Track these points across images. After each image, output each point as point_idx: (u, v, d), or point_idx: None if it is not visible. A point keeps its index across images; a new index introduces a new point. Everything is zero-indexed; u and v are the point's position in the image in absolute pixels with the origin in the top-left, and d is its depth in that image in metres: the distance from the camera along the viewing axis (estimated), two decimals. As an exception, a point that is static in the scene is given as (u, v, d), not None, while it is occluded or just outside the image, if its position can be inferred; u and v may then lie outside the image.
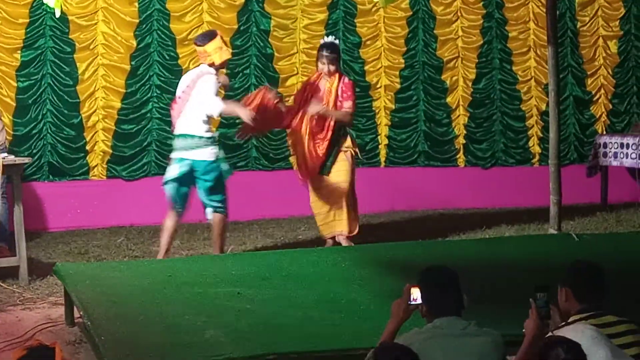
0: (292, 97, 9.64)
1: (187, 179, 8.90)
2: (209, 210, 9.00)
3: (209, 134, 8.88)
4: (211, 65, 8.92)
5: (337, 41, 9.78)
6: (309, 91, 9.56)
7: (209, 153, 8.85)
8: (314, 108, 9.37)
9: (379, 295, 6.87)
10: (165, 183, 8.97)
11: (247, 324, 6.50)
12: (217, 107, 8.84)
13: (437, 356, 4.52)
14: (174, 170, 8.90)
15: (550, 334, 4.61)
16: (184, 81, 9.09)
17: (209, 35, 9.13)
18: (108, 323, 6.34)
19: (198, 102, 8.84)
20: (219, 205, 8.97)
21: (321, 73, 9.51)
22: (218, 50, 8.92)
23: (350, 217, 9.49)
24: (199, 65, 9.18)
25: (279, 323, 6.54)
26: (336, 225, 9.51)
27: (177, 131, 8.95)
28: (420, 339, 4.61)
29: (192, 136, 8.82)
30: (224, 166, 8.99)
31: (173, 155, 8.99)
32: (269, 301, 7.03)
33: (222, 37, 9.10)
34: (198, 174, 8.88)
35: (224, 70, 9.61)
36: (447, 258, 7.72)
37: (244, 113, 8.96)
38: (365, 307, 6.81)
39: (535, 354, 4.01)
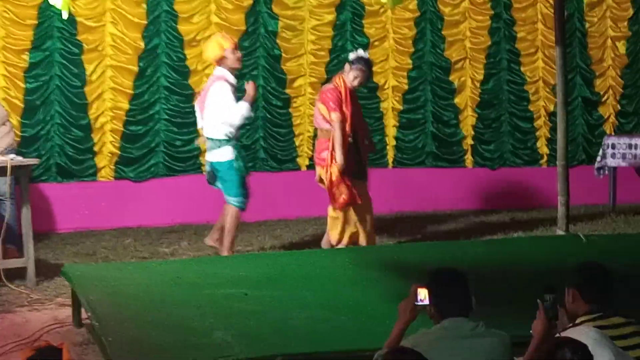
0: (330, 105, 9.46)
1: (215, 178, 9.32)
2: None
3: (224, 137, 8.99)
4: (221, 60, 9.14)
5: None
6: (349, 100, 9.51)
7: (222, 154, 9.04)
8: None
9: (387, 296, 6.86)
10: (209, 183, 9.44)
11: (255, 325, 6.51)
12: (237, 115, 9.02)
13: (445, 357, 4.52)
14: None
15: (557, 335, 4.61)
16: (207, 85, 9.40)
17: None
18: (115, 324, 6.35)
19: (212, 109, 8.96)
20: (234, 201, 9.22)
21: (345, 83, 9.42)
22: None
23: (369, 232, 9.50)
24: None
25: (287, 324, 6.55)
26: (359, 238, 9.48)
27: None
28: (428, 340, 4.61)
29: (211, 139, 9.17)
30: (236, 164, 9.06)
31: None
32: (276, 302, 7.04)
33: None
34: (217, 174, 9.23)
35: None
36: (455, 259, 7.72)
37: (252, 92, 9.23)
38: (373, 308, 6.81)
39: (542, 355, 4.00)
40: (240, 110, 9.04)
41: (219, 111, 9.01)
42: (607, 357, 4.40)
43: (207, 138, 9.20)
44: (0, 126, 9.31)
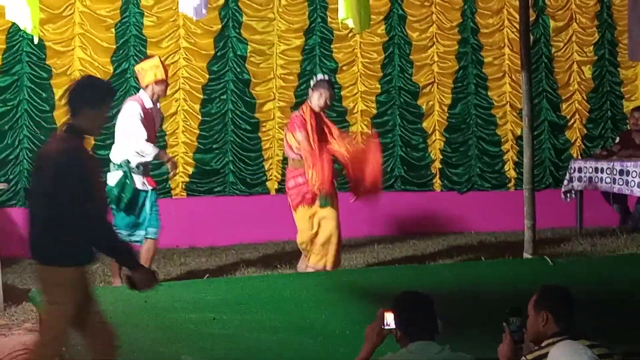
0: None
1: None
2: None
3: (116, 160, 8.94)
4: (146, 86, 9.05)
5: None
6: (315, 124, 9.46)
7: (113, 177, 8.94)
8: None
9: (354, 319, 6.87)
10: None
11: (223, 349, 6.51)
12: (148, 153, 8.96)
13: (411, 380, 4.54)
14: None
15: (523, 358, 4.64)
16: None
17: (146, 57, 9.29)
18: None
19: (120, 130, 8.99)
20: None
21: (310, 109, 9.35)
22: (141, 71, 9.09)
23: (337, 251, 9.39)
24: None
25: (255, 348, 6.56)
26: (325, 259, 9.35)
27: None
28: (395, 363, 4.63)
29: (113, 163, 9.00)
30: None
31: None
32: (244, 326, 7.04)
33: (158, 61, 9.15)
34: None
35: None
36: (423, 283, 7.75)
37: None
38: (341, 332, 6.83)
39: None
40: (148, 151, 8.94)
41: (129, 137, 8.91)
42: None
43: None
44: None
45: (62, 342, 5.58)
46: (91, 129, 5.60)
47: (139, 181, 8.90)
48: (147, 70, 8.96)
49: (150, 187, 9.00)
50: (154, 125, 9.10)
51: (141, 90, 9.07)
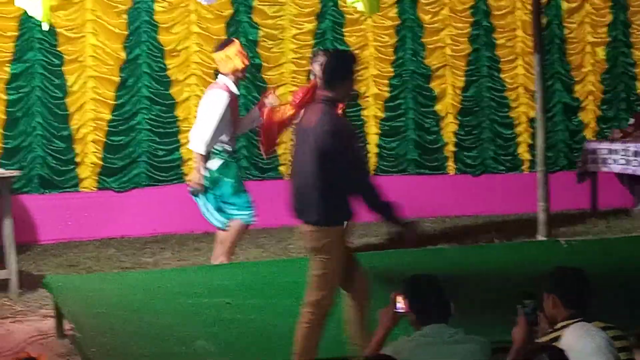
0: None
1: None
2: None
3: (201, 151, 8.68)
4: (235, 71, 8.80)
5: None
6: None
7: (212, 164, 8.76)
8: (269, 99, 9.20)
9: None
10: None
11: (237, 334, 6.53)
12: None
13: (425, 364, 4.54)
14: None
15: (537, 340, 4.64)
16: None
17: (227, 43, 9.08)
18: (98, 335, 6.37)
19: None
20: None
21: (314, 84, 9.43)
22: (226, 59, 8.86)
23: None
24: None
25: (269, 333, 6.58)
26: None
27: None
28: (409, 347, 4.63)
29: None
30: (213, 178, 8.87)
31: None
32: (259, 311, 7.06)
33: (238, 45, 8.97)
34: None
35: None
36: (437, 265, 7.75)
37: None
38: (355, 316, 6.82)
39: (521, 360, 4.03)
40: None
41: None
42: None
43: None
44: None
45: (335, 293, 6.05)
46: (344, 98, 6.30)
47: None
48: (233, 57, 8.79)
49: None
50: (237, 112, 9.07)
51: (223, 77, 8.78)
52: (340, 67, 6.06)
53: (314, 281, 6.00)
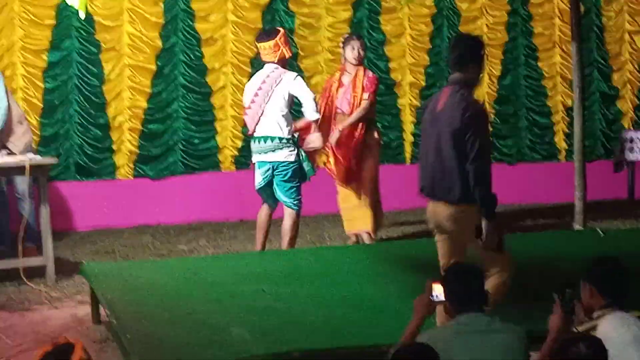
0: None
1: (272, 180, 8.95)
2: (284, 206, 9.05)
3: (289, 135, 8.84)
4: (282, 60, 8.91)
5: None
6: (330, 94, 9.59)
7: (287, 154, 8.84)
8: (332, 138, 9.49)
9: (403, 292, 6.88)
10: (258, 190, 9.00)
11: (272, 321, 6.53)
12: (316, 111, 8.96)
13: (461, 352, 4.53)
14: (258, 177, 8.95)
15: (574, 329, 4.62)
16: (255, 83, 9.02)
17: (274, 31, 9.13)
18: (134, 321, 6.39)
19: (280, 103, 8.81)
20: (293, 202, 8.98)
21: (343, 69, 9.53)
22: (285, 45, 8.95)
23: (374, 214, 9.50)
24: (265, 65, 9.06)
25: (304, 320, 6.57)
26: (358, 222, 9.51)
27: (257, 134, 8.91)
28: (444, 335, 4.63)
29: (273, 138, 8.83)
30: (306, 166, 8.95)
31: (254, 159, 9.01)
32: (294, 299, 7.06)
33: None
34: (276, 173, 8.88)
35: None
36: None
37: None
38: (389, 304, 6.84)
39: (557, 350, 4.00)
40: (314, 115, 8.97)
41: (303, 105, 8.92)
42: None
43: (267, 137, 8.84)
44: (17, 125, 9.33)
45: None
46: (475, 81, 6.31)
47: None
48: (282, 46, 8.87)
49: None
50: None
51: (279, 66, 8.93)
52: (471, 49, 6.21)
53: (446, 251, 6.24)
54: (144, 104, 11.41)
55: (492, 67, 12.82)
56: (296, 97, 8.91)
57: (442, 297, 4.81)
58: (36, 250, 8.93)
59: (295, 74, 9.01)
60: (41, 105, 11.02)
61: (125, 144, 11.37)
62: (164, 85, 11.47)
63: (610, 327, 4.52)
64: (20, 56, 10.86)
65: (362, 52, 9.59)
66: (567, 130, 12.94)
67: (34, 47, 10.93)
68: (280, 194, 8.94)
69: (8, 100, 9.25)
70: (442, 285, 4.82)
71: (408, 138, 12.54)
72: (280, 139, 8.81)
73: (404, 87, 12.48)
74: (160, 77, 11.44)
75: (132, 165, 11.42)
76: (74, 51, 11.11)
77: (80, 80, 11.14)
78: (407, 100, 12.51)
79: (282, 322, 6.54)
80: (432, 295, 4.84)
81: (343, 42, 9.74)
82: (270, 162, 8.84)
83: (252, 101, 8.91)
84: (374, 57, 12.26)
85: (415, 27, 12.49)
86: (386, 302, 6.91)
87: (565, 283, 4.75)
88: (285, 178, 8.87)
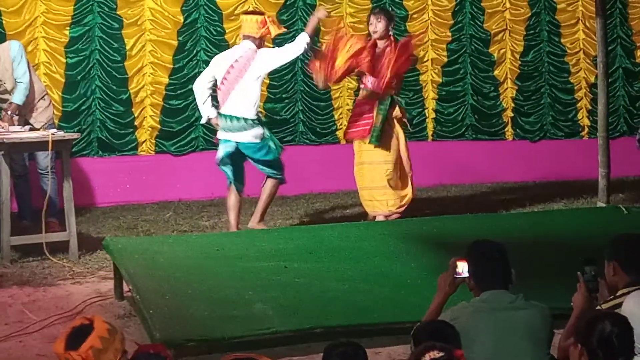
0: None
1: (236, 157, 9.02)
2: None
3: (255, 116, 8.93)
4: (262, 38, 9.02)
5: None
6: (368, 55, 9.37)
7: (253, 135, 8.92)
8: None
9: (426, 269, 6.87)
10: (218, 164, 9.09)
11: (294, 297, 6.53)
12: (302, 42, 9.02)
13: (484, 330, 4.52)
14: (220, 151, 9.06)
15: (598, 307, 4.59)
16: (228, 58, 9.06)
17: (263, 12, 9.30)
18: (156, 296, 6.40)
19: (252, 82, 8.88)
20: (275, 173, 9.19)
21: (373, 41, 9.32)
22: (272, 23, 9.05)
23: (394, 196, 9.32)
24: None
25: (326, 297, 6.57)
26: (378, 205, 9.34)
27: (223, 111, 8.99)
28: (467, 312, 4.61)
29: (238, 118, 8.94)
30: (272, 145, 9.02)
31: (219, 135, 9.07)
32: (315, 275, 7.05)
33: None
34: (249, 155, 9.04)
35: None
36: (495, 232, 7.69)
37: (319, 13, 9.41)
38: (412, 281, 6.82)
39: (582, 327, 3.99)
40: (301, 40, 9.04)
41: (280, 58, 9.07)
42: None
43: (232, 117, 8.95)
44: (39, 100, 9.37)
45: None
46: None
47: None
48: (271, 26, 8.99)
49: None
50: None
51: (250, 41, 9.02)
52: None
53: None
54: (166, 80, 11.41)
55: (515, 43, 12.76)
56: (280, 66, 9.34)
57: (466, 275, 4.79)
58: (58, 225, 8.96)
59: (267, 49, 9.15)
60: (63, 81, 11.02)
61: (147, 119, 11.38)
62: (185, 61, 11.46)
63: (634, 305, 4.49)
64: (42, 31, 10.86)
65: (378, 25, 9.23)
66: (590, 107, 12.89)
67: (56, 22, 10.93)
68: (262, 169, 9.19)
69: (31, 76, 9.28)
70: (466, 262, 4.80)
71: (430, 115, 12.51)
72: (246, 119, 8.91)
73: (426, 63, 12.44)
74: (181, 52, 11.43)
75: (153, 141, 11.44)
76: (95, 26, 11.10)
77: (102, 56, 11.14)
78: (429, 77, 12.47)
79: (304, 298, 6.54)
80: (456, 273, 4.82)
81: (369, 17, 9.49)
82: (235, 141, 8.98)
83: (225, 78, 8.99)
84: (396, 33, 12.13)
85: (438, 3, 12.43)
86: (408, 279, 6.89)
87: (589, 260, 4.72)
88: (257, 156, 9.03)
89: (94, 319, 3.77)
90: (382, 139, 9.14)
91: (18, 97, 9.19)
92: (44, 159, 9.16)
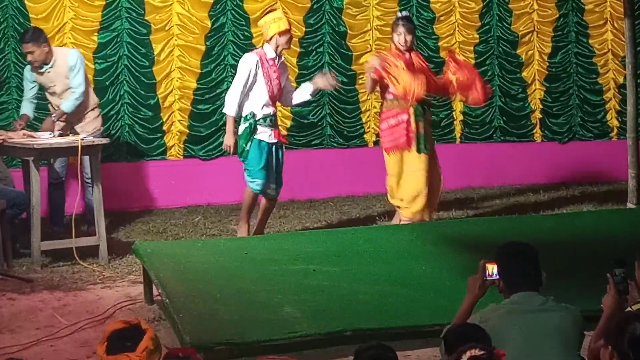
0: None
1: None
2: None
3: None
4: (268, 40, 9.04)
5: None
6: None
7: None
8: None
9: (455, 271, 6.86)
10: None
11: (323, 300, 6.54)
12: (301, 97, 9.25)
13: (514, 332, 4.51)
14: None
15: (628, 309, 4.57)
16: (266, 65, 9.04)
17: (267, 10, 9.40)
18: (186, 300, 6.42)
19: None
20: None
21: (396, 53, 9.27)
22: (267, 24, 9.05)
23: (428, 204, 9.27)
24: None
25: (355, 300, 6.57)
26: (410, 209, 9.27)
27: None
28: (497, 314, 4.60)
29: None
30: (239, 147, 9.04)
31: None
32: (344, 278, 7.05)
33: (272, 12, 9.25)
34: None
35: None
36: (524, 233, 7.68)
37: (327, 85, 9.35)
38: (441, 283, 6.81)
39: (613, 329, 3.97)
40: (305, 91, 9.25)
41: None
42: None
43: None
44: (89, 111, 9.56)
45: None
46: None
47: (266, 134, 8.95)
48: (271, 23, 8.94)
49: (275, 140, 9.01)
50: (278, 77, 9.04)
51: (265, 44, 9.04)
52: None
53: None
54: (194, 84, 11.44)
55: (543, 44, 12.72)
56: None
57: (495, 277, 4.78)
58: (63, 235, 9.01)
59: (245, 56, 9.12)
60: (92, 86, 11.06)
61: (176, 124, 11.42)
62: (213, 65, 11.49)
63: (665, 306, 4.48)
64: (71, 37, 10.91)
65: (408, 38, 9.20)
66: (618, 108, 12.83)
67: (84, 28, 10.98)
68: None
69: (86, 87, 9.39)
70: (496, 264, 4.79)
71: (458, 117, 12.48)
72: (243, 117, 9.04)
73: (453, 65, 12.39)
74: (209, 57, 11.46)
75: (182, 146, 11.47)
76: (124, 32, 11.15)
77: (130, 61, 11.19)
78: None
79: (333, 301, 6.55)
80: (485, 275, 4.81)
81: (393, 24, 9.45)
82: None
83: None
84: (423, 36, 12.20)
85: (465, 5, 12.41)
86: (438, 282, 6.88)
87: (619, 262, 4.70)
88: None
89: (138, 321, 3.80)
90: (429, 145, 9.22)
91: (67, 106, 9.31)
92: (88, 166, 9.16)
